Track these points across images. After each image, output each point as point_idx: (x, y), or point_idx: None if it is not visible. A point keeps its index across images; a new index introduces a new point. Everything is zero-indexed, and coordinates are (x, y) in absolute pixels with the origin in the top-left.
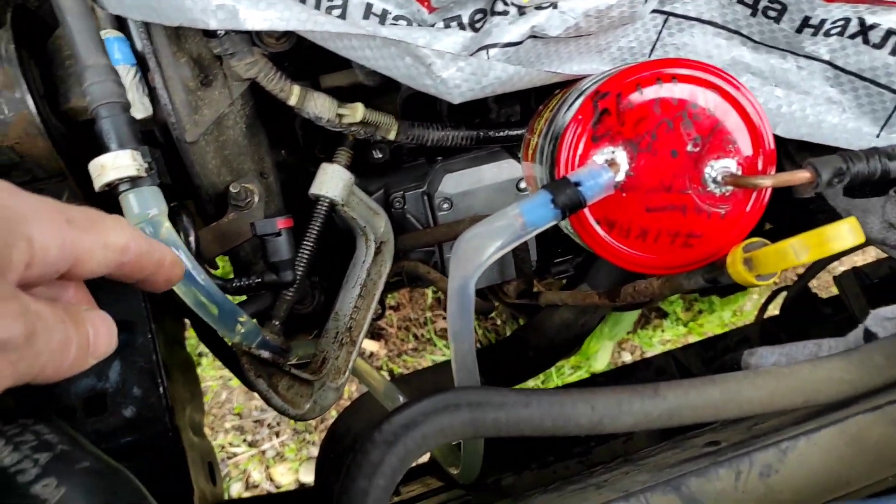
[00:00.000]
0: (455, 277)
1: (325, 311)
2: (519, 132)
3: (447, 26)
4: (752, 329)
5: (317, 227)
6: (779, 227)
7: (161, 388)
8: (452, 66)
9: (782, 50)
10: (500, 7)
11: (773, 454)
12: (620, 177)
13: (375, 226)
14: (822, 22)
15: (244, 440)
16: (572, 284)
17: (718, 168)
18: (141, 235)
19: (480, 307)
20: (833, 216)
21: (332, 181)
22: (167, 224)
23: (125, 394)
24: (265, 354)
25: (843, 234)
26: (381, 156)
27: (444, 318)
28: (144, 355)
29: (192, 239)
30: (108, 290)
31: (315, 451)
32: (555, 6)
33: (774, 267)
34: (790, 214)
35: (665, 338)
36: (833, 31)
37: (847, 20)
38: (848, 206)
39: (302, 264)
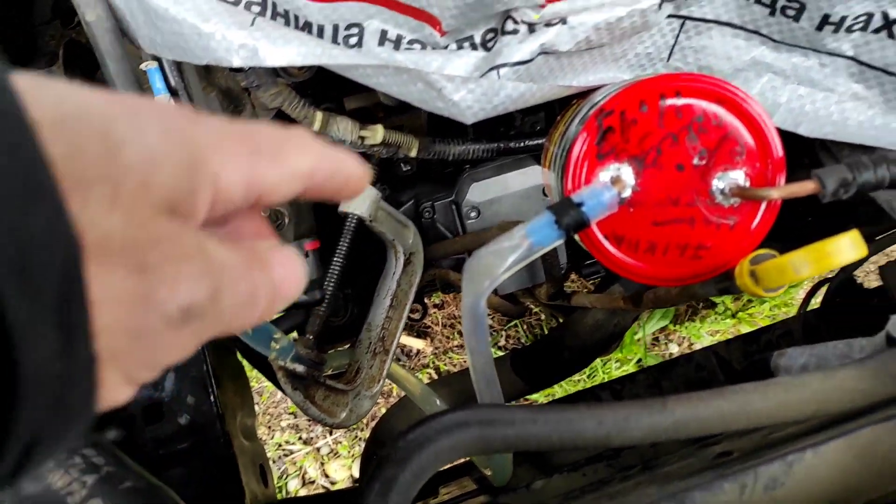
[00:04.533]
0: (467, 295)
1: (358, 322)
2: (540, 141)
3: (460, 47)
4: (794, 322)
5: (346, 244)
6: (820, 218)
7: (212, 397)
8: (463, 88)
9: (803, 48)
10: (510, 26)
11: (778, 467)
12: (626, 193)
13: (404, 238)
14: (843, 19)
15: (299, 438)
16: (605, 285)
17: (726, 180)
18: (327, 155)
19: (512, 311)
20: (873, 206)
21: (359, 198)
22: None
23: (180, 402)
24: (300, 368)
25: (843, 248)
26: (408, 168)
27: (490, 316)
28: (196, 365)
29: None
30: None
31: None
32: (564, 22)
33: (777, 282)
34: (830, 206)
35: (714, 329)
36: (855, 27)
37: (870, 15)
38: (889, 198)
39: (332, 280)
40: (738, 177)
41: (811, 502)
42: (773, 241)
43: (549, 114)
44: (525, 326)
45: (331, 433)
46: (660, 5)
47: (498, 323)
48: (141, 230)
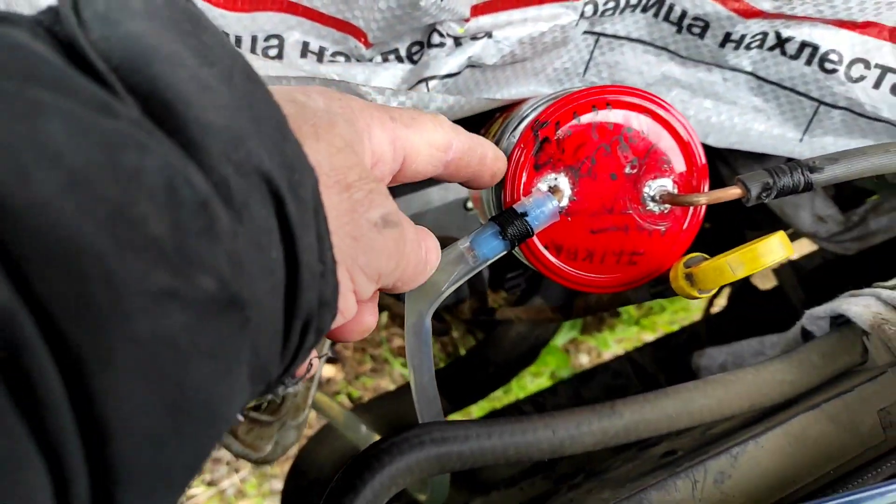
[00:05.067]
0: (411, 313)
1: None
2: None
3: (385, 59)
4: (700, 325)
5: None
6: (720, 225)
7: None
8: (394, 100)
9: (708, 63)
10: (436, 39)
11: (725, 461)
12: (564, 202)
13: None
14: (743, 37)
15: (202, 480)
16: (525, 297)
17: (656, 187)
18: (462, 132)
19: (436, 329)
20: (767, 211)
21: None
22: None
23: None
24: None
25: (774, 248)
26: None
27: (400, 337)
28: None
29: None
30: None
31: (277, 485)
32: (489, 35)
33: (714, 283)
34: (729, 213)
35: (620, 337)
36: (753, 45)
37: (765, 34)
38: (780, 204)
39: None
40: (667, 184)
41: (756, 491)
42: None
43: (466, 128)
44: (438, 345)
45: (236, 472)
46: (577, 22)
47: None
48: (338, 157)
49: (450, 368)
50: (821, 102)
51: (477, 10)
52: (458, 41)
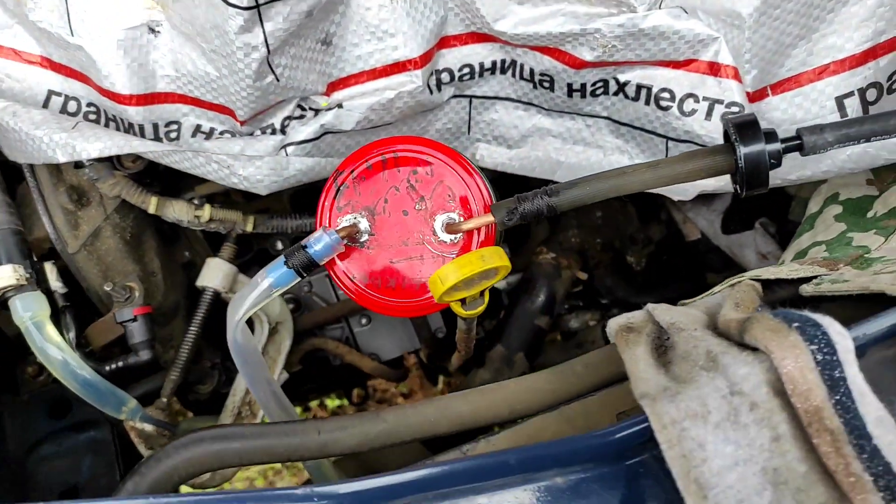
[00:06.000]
0: (228, 334)
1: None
2: None
3: (263, 133)
4: None
5: (201, 314)
6: (689, 271)
7: (118, 476)
8: (250, 165)
9: (570, 113)
10: (297, 112)
11: (453, 457)
12: (364, 238)
13: (269, 309)
14: (583, 86)
15: None
16: (490, 346)
17: (443, 219)
18: None
19: (391, 374)
20: (721, 254)
21: (212, 273)
22: (49, 324)
23: (96, 485)
24: (149, 428)
25: (479, 258)
26: (282, 247)
27: None
28: (108, 447)
29: (72, 335)
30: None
31: None
32: (341, 106)
33: (437, 292)
34: (686, 257)
35: None
36: (598, 92)
37: (605, 81)
38: (728, 243)
39: (186, 347)
40: (454, 217)
41: None
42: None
43: None
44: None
45: None
46: (438, 87)
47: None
48: None
49: None
50: (668, 138)
51: (335, 86)
52: (316, 112)
